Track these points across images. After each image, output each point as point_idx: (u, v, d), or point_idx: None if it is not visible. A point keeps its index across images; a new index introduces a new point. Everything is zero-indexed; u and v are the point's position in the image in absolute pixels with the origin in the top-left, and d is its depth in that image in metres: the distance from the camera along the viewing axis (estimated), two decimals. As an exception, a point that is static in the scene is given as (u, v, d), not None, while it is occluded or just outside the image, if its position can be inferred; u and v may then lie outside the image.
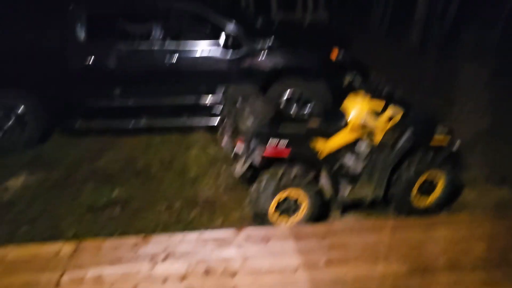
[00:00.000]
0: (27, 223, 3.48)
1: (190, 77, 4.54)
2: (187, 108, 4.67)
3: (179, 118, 4.71)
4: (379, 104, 3.29)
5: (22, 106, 4.48)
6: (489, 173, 4.01)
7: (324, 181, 3.29)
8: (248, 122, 3.00)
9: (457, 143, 3.39)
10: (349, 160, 3.44)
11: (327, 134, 3.33)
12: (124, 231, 3.33)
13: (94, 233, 3.31)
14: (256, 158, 3.03)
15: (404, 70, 6.67)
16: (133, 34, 4.50)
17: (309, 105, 4.67)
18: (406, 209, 3.40)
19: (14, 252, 2.70)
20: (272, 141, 3.05)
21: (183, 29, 4.60)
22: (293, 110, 4.67)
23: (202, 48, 4.50)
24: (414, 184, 3.33)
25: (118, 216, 3.56)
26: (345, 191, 3.35)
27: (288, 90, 4.60)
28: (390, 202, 3.40)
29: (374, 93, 3.32)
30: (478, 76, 5.68)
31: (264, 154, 3.04)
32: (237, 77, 4.51)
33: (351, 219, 3.40)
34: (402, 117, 3.27)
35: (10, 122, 4.52)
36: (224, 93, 3.55)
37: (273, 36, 4.65)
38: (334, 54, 4.62)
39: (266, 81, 4.53)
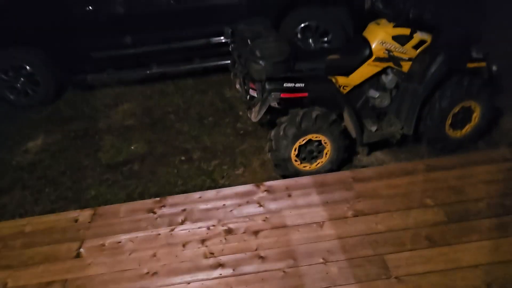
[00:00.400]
0: (49, 185, 3.39)
1: (197, 14, 4.13)
2: (198, 49, 4.31)
3: (191, 62, 4.38)
4: (405, 29, 2.87)
5: (28, 66, 4.25)
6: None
7: (348, 119, 2.98)
8: (261, 64, 2.66)
9: (495, 67, 2.97)
10: (374, 94, 3.09)
11: (349, 67, 2.97)
12: (144, 188, 3.19)
13: (115, 193, 3.19)
14: (273, 101, 2.73)
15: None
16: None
17: (328, 36, 4.22)
18: (440, 144, 3.08)
19: (32, 223, 2.60)
20: (289, 82, 2.73)
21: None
22: (311, 43, 4.24)
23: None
24: (448, 116, 2.98)
25: (137, 172, 3.41)
26: (372, 128, 3.04)
27: (304, 23, 4.14)
28: (421, 137, 3.08)
29: (399, 17, 2.88)
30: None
31: (281, 96, 2.74)
32: (246, 10, 4.07)
33: (378, 162, 3.11)
34: (432, 42, 2.85)
35: (20, 83, 4.33)
36: (232, 31, 3.18)
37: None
38: (353, -26, 4.07)
39: (278, 13, 4.08)
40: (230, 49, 3.18)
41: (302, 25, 4.15)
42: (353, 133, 2.99)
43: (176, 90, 4.48)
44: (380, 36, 2.89)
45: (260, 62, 2.65)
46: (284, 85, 2.71)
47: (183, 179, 3.28)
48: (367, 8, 3.19)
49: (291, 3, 4.08)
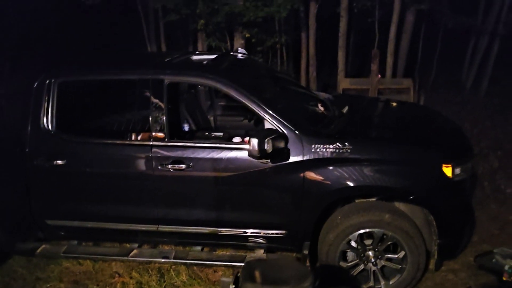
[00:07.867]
0: None
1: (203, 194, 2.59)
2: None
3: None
4: None
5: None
6: None
7: None
8: None
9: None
10: None
11: None
12: None
13: None
14: None
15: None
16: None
17: (398, 253, 2.44)
18: None
19: None
20: None
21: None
22: (371, 258, 2.46)
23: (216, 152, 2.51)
24: None
25: None
26: None
27: (364, 228, 2.42)
28: None
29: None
30: None
31: None
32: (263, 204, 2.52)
33: None
34: None
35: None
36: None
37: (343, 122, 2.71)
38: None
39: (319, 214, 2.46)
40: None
41: (361, 231, 2.43)
42: None
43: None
44: None
45: None
46: None
47: None
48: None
49: (338, 194, 2.43)
